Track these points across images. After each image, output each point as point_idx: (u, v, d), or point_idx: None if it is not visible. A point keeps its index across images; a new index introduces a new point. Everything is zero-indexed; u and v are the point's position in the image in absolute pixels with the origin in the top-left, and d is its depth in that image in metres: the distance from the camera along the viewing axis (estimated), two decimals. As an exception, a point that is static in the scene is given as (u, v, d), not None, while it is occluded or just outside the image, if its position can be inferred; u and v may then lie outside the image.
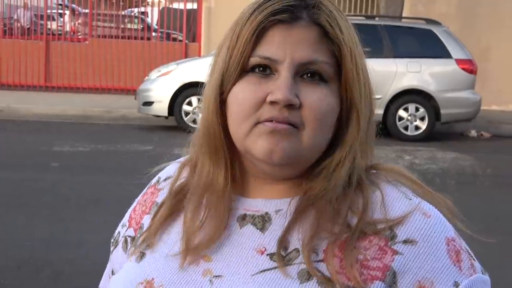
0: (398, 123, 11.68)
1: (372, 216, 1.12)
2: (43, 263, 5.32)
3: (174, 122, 11.89)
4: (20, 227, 6.22)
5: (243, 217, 1.17)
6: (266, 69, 1.12)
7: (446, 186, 8.48)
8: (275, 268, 1.10)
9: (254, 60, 1.12)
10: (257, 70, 1.13)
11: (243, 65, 1.13)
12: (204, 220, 1.17)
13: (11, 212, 6.70)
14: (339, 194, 1.13)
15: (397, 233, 1.10)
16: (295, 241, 1.11)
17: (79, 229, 6.22)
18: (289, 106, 1.10)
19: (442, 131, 12.42)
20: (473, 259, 1.14)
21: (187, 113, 11.72)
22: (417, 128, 11.77)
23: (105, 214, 6.68)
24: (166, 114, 11.91)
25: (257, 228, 1.15)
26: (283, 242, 1.11)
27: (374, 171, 1.19)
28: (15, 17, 17.89)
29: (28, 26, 17.73)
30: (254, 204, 1.17)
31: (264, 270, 1.10)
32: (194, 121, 11.56)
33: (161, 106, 11.86)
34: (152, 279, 1.16)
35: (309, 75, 1.12)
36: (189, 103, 11.67)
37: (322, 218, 1.11)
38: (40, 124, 12.38)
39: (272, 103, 1.10)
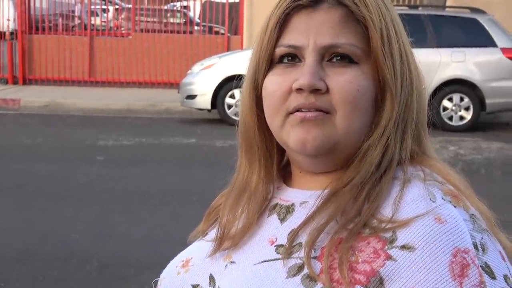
0: (443, 114, 11.56)
1: (381, 211, 1.04)
2: (90, 255, 5.39)
3: (217, 115, 11.94)
4: (67, 220, 6.31)
5: (274, 207, 1.16)
6: (294, 58, 1.11)
7: (492, 176, 8.37)
8: (275, 260, 1.07)
9: (279, 50, 1.11)
10: (285, 60, 1.11)
11: (271, 56, 1.12)
12: (239, 216, 1.18)
13: (58, 205, 6.80)
14: (364, 183, 1.07)
15: (398, 236, 1.01)
16: (304, 235, 1.06)
17: (124, 221, 6.29)
18: (316, 91, 1.07)
19: (487, 121, 12.26)
20: (491, 278, 1.00)
21: (230, 106, 11.75)
22: (461, 118, 11.63)
23: (149, 206, 6.74)
24: (209, 107, 11.95)
25: (279, 219, 1.13)
26: (293, 235, 1.08)
27: (416, 165, 1.11)
28: (76, 13, 18.10)
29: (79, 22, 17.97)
30: (288, 194, 1.16)
31: (265, 261, 1.08)
32: (237, 114, 11.56)
33: (204, 99, 11.91)
34: (192, 258, 1.20)
35: (338, 58, 1.08)
36: (232, 96, 11.70)
37: (337, 211, 1.06)
38: (84, 118, 12.53)
39: (298, 90, 1.08)
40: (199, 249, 1.21)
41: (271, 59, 1.12)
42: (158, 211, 6.58)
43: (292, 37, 1.10)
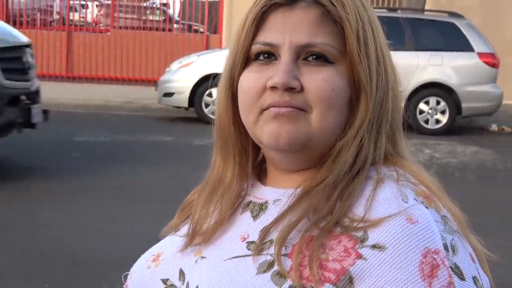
0: (419, 117, 11.64)
1: (353, 211, 1.05)
2: (63, 251, 5.37)
3: (194, 114, 11.92)
4: (42, 215, 6.28)
5: (247, 204, 1.16)
6: (271, 56, 1.11)
7: (466, 180, 8.44)
8: (245, 256, 1.08)
9: (256, 48, 1.11)
10: (261, 57, 1.11)
11: (247, 53, 1.12)
12: (212, 212, 1.18)
13: (33, 201, 6.75)
14: (337, 182, 1.08)
15: (369, 235, 1.01)
16: (276, 233, 1.07)
17: (99, 218, 6.27)
18: (290, 90, 1.07)
19: (463, 125, 12.36)
20: (461, 279, 1.01)
21: (207, 105, 11.74)
22: (437, 121, 11.72)
23: (124, 204, 6.72)
24: (186, 105, 11.95)
25: (252, 216, 1.13)
26: (264, 232, 1.08)
27: (390, 166, 1.11)
28: (55, 9, 17.99)
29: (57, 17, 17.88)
30: (262, 192, 1.16)
31: (236, 257, 1.09)
32: (214, 113, 11.54)
33: (181, 97, 11.89)
34: (162, 252, 1.21)
35: (314, 57, 1.09)
36: (210, 95, 11.69)
37: (309, 209, 1.06)
38: (61, 114, 12.44)
39: (273, 88, 1.08)
40: (170, 244, 1.21)
41: (248, 56, 1.13)
42: (134, 208, 6.57)
43: (269, 35, 1.11)
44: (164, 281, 1.16)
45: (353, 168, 1.09)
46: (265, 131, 1.09)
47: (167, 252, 1.20)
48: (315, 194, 1.08)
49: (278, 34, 1.10)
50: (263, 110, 1.10)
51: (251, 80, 1.11)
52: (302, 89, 1.08)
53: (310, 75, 1.08)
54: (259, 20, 1.12)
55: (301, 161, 1.13)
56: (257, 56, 1.12)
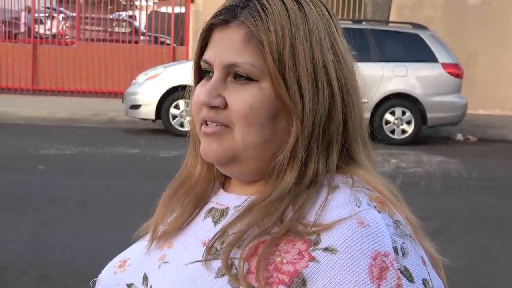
0: (385, 127, 11.73)
1: (306, 217, 1.08)
2: (29, 265, 5.32)
3: (161, 126, 11.89)
4: (6, 229, 6.21)
5: (210, 210, 1.21)
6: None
7: (432, 189, 8.52)
8: (206, 260, 1.11)
9: (202, 64, 1.18)
10: (211, 73, 1.17)
11: (198, 67, 1.20)
12: (175, 213, 1.24)
13: (-3, 214, 6.68)
14: (288, 191, 1.11)
15: (322, 238, 1.05)
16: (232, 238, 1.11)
17: (65, 231, 6.22)
18: (215, 107, 1.14)
19: (428, 134, 12.47)
20: (409, 281, 1.04)
21: (174, 116, 11.72)
22: (403, 131, 11.82)
23: (91, 217, 6.68)
24: (153, 117, 11.91)
25: (213, 221, 1.18)
26: (221, 236, 1.12)
27: (347, 173, 1.14)
28: (23, 20, 17.83)
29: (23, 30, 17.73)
30: (224, 199, 1.21)
31: (197, 261, 1.12)
32: (182, 125, 11.56)
33: (148, 109, 11.86)
34: (128, 258, 1.25)
35: (240, 75, 1.13)
36: (177, 107, 11.67)
37: (260, 215, 1.10)
38: (27, 127, 12.35)
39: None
40: (137, 250, 1.26)
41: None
42: (100, 221, 6.53)
43: (207, 53, 1.17)
44: (129, 285, 1.20)
45: (304, 181, 1.12)
46: (201, 147, 1.17)
47: (133, 257, 1.25)
48: (260, 209, 1.11)
49: (212, 53, 1.16)
50: (201, 124, 1.17)
51: (195, 93, 1.18)
52: (226, 106, 1.13)
53: (233, 94, 1.13)
54: (207, 38, 1.18)
55: (242, 173, 1.17)
56: (205, 71, 1.18)
